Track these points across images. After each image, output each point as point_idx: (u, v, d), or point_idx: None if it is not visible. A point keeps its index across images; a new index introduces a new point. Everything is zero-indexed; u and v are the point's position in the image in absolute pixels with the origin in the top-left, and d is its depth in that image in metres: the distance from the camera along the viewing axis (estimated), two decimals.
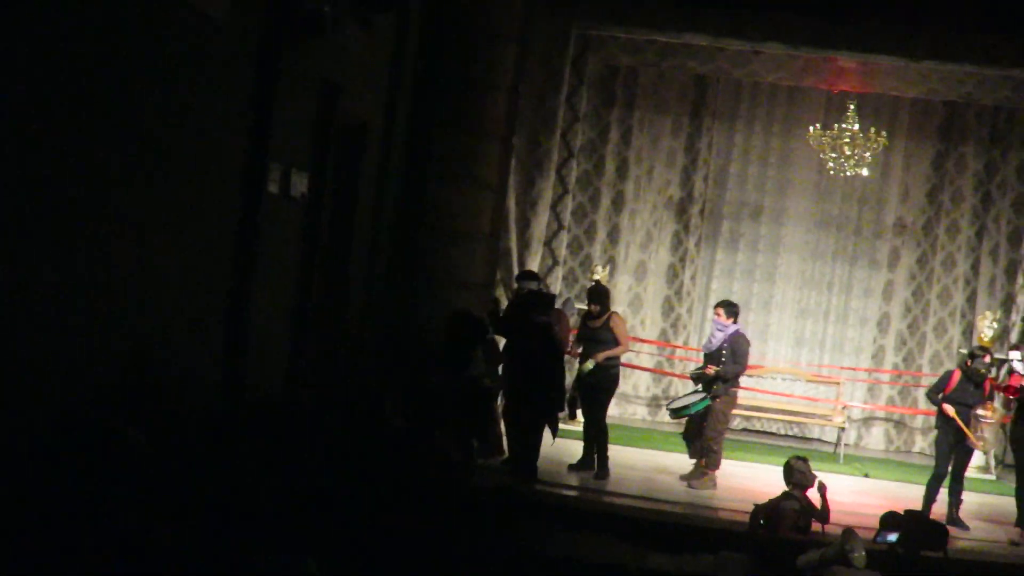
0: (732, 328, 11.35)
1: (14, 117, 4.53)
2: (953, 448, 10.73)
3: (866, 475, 12.93)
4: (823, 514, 8.96)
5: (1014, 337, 13.90)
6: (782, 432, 15.26)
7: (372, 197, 9.69)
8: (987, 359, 10.72)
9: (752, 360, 15.06)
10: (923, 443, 14.91)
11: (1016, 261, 14.38)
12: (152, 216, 5.83)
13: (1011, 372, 10.65)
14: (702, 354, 11.47)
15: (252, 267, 7.17)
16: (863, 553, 8.17)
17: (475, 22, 10.73)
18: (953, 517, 10.61)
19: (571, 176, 13.51)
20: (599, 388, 11.18)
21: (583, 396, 11.28)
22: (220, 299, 6.92)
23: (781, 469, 9.21)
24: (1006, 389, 11.28)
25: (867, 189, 15.05)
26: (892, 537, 8.17)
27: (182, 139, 6.09)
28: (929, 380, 14.57)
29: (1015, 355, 10.54)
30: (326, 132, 8.39)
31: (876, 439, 15.24)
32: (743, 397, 14.59)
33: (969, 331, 14.75)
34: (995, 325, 13.55)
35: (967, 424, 10.58)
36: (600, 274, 13.78)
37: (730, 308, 11.55)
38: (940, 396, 10.79)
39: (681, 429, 12.05)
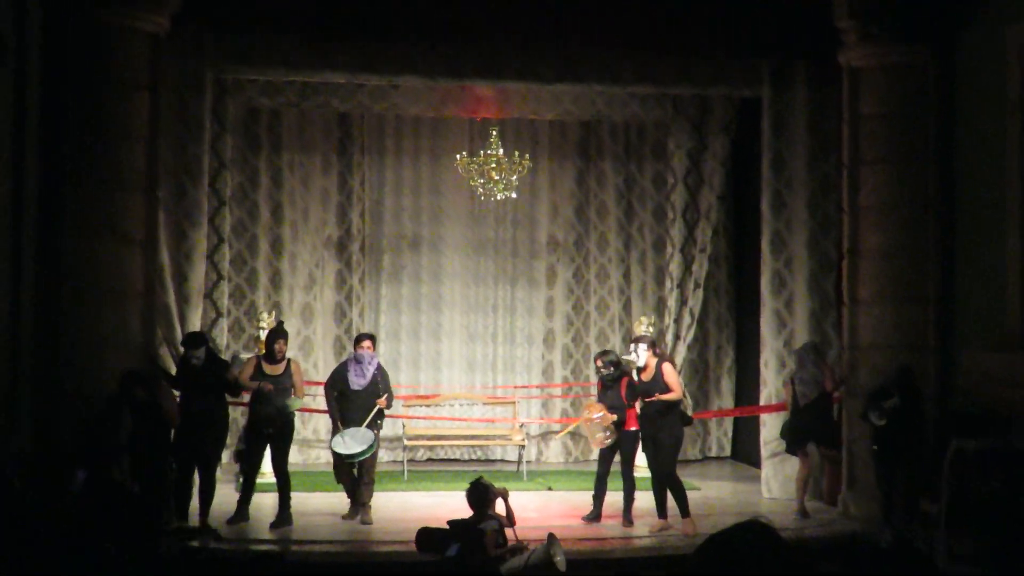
0: (376, 358, 11.46)
1: None
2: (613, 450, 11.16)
3: (549, 488, 13.26)
4: (511, 521, 9.11)
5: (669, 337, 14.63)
6: (466, 457, 15.45)
7: (7, 262, 9.14)
8: (599, 363, 11.22)
9: (427, 388, 15.32)
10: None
11: (662, 267, 15.14)
12: None
13: (637, 370, 11.10)
14: (353, 390, 11.18)
15: None
16: (563, 557, 8.41)
17: (101, 71, 10.33)
18: (625, 516, 11.09)
19: (225, 224, 13.18)
20: (282, 437, 11.06)
21: (268, 446, 11.08)
22: None
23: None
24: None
25: (518, 211, 15.52)
26: (455, 550, 8.47)
27: None
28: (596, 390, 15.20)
29: (632, 348, 11.03)
30: None
31: (555, 452, 15.67)
32: (425, 427, 14.75)
33: (628, 337, 15.42)
34: (651, 329, 14.24)
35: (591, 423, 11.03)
36: (267, 320, 13.51)
37: (374, 339, 11.72)
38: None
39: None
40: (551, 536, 8.69)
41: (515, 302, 15.72)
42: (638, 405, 10.88)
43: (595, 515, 11.30)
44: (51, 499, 7.10)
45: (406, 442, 14.35)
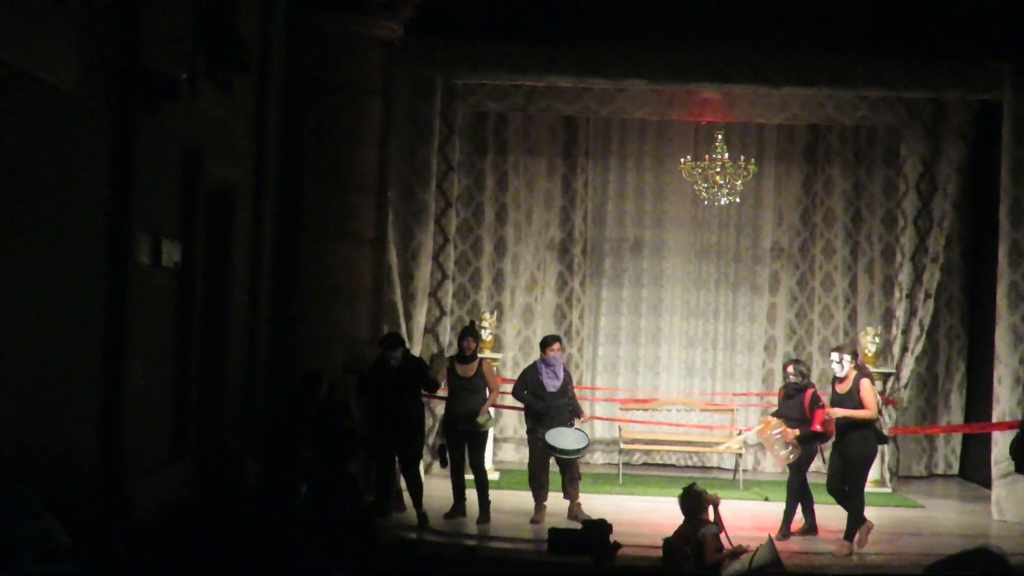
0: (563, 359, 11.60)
1: None
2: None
3: (766, 499, 13.03)
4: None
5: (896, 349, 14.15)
6: (682, 463, 15.34)
7: (247, 260, 9.60)
8: (790, 368, 10.87)
9: (645, 392, 15.27)
10: (818, 462, 15.11)
11: (891, 276, 14.67)
12: (4, 299, 5.63)
13: (833, 379, 10.76)
14: (549, 392, 11.28)
15: (124, 341, 7.01)
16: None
17: (337, 77, 10.74)
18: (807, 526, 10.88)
19: (451, 225, 13.52)
20: (477, 435, 11.21)
21: (465, 445, 11.23)
22: (92, 379, 6.74)
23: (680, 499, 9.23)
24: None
25: (742, 216, 15.31)
26: None
27: (35, 217, 5.92)
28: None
29: (835, 356, 10.65)
30: (194, 198, 8.28)
31: (772, 462, 15.34)
32: (642, 431, 14.71)
33: (849, 346, 15.03)
34: (877, 340, 13.82)
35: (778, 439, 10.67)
36: (488, 320, 13.79)
37: (561, 341, 11.82)
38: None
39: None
40: (771, 538, 8.61)
41: (736, 308, 15.51)
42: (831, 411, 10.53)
43: (808, 527, 11.04)
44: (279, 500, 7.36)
45: (622, 445, 14.36)
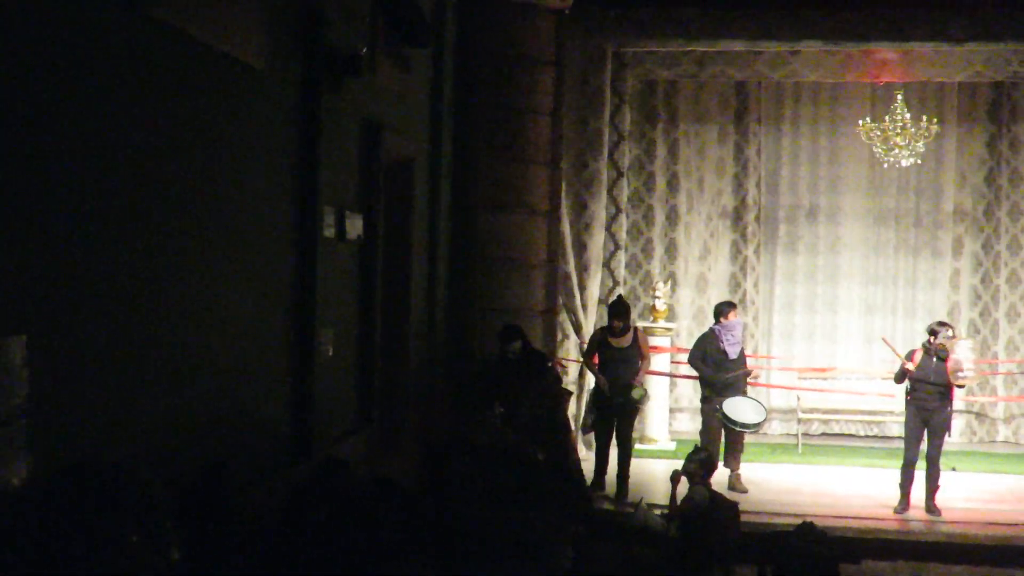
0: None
1: (63, 188, 4.48)
2: (923, 431, 10.55)
3: (953, 469, 12.67)
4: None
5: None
6: (862, 433, 15.04)
7: (425, 232, 9.74)
8: (950, 332, 10.55)
9: (823, 361, 15.00)
10: (1007, 432, 14.72)
11: None
12: (204, 274, 5.80)
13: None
14: (731, 359, 11.22)
15: (313, 314, 7.18)
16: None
17: (510, 49, 10.80)
18: (929, 505, 10.54)
19: (622, 195, 13.50)
20: (631, 407, 11.04)
21: (613, 416, 11.02)
22: (284, 351, 6.92)
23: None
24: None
25: (922, 179, 14.89)
26: None
27: (230, 193, 6.08)
28: (1006, 367, 14.34)
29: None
30: (374, 172, 8.42)
31: (958, 431, 14.91)
32: (818, 401, 14.46)
33: None
34: None
35: (931, 402, 10.42)
36: (662, 290, 13.75)
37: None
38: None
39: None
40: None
41: (917, 274, 15.10)
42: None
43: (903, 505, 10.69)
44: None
45: (801, 415, 14.16)
